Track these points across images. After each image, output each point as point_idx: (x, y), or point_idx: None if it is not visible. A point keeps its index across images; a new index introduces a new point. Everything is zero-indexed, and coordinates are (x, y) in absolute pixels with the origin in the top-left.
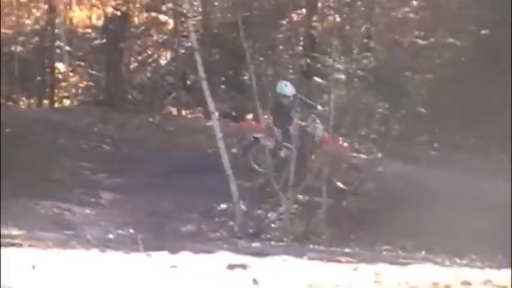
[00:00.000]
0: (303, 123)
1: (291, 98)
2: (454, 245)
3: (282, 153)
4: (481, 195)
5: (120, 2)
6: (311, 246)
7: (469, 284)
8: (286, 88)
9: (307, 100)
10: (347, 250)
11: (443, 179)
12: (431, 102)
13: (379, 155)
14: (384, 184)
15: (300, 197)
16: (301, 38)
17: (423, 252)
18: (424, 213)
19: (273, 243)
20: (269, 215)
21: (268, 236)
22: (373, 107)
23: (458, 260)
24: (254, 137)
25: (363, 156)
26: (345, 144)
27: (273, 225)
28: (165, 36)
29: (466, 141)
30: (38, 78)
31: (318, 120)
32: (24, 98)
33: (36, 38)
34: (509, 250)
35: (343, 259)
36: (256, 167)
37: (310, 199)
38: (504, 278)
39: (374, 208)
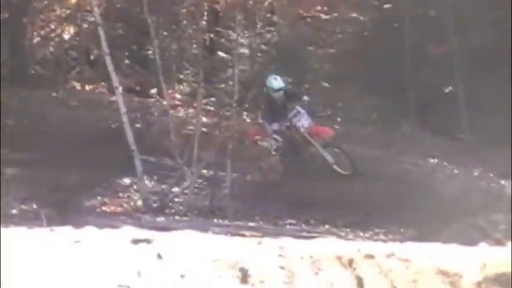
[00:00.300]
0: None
1: (280, 92)
2: (357, 219)
3: (273, 145)
4: (385, 168)
5: None
6: (215, 220)
7: (372, 257)
8: (275, 82)
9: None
10: (251, 224)
11: None
12: (334, 76)
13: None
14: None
15: (204, 171)
16: (205, 13)
17: (326, 226)
18: (327, 187)
19: (177, 217)
20: (173, 189)
21: (173, 210)
22: None
23: (361, 234)
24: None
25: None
26: (332, 131)
27: (177, 199)
28: (69, 11)
29: (368, 116)
30: None
31: (302, 111)
32: None
33: None
34: (415, 224)
35: (247, 233)
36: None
37: (214, 174)
38: (407, 251)
39: (278, 182)
